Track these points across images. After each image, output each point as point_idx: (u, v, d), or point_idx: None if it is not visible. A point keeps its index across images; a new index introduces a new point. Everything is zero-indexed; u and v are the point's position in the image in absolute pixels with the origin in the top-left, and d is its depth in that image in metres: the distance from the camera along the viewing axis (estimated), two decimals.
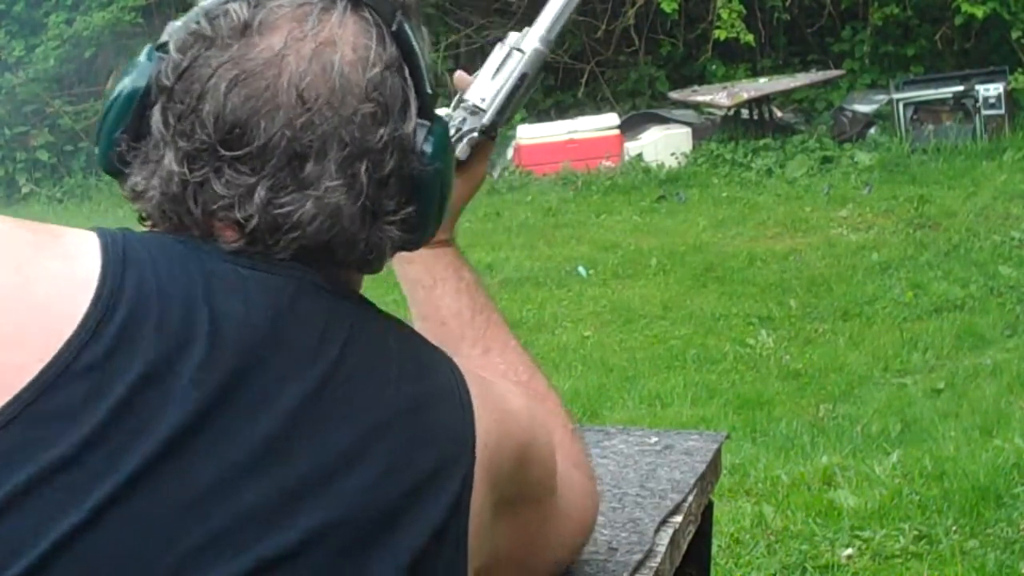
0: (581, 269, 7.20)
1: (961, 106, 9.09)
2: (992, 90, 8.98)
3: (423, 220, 1.13)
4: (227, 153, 1.04)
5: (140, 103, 1.08)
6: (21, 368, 0.95)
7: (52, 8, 11.39)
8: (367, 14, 1.08)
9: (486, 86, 1.38)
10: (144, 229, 1.12)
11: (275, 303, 1.04)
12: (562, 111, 10.68)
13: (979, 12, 9.43)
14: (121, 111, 1.08)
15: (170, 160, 1.05)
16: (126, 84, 1.09)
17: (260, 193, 1.04)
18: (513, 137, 9.92)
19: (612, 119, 9.78)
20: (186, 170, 1.05)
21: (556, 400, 1.35)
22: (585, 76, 10.78)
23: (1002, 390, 4.95)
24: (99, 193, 10.72)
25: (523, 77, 1.39)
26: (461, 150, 1.37)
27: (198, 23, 1.07)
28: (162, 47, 1.08)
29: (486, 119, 1.37)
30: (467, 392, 1.10)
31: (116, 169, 1.10)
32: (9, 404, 0.94)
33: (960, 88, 9.11)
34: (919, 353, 5.51)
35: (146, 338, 0.98)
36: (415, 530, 1.03)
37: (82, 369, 0.96)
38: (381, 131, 1.07)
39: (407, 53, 1.10)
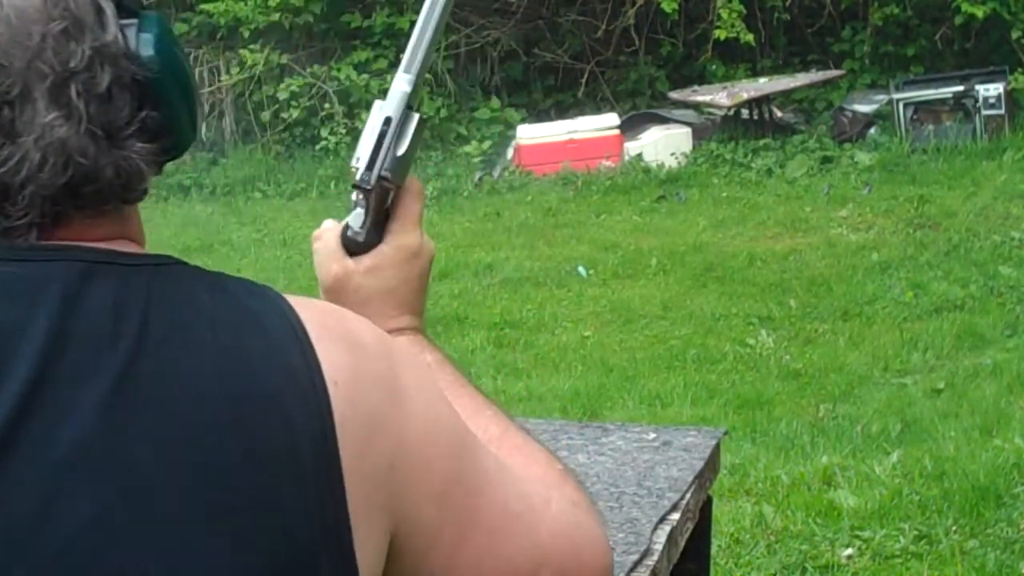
0: (581, 269, 7.20)
1: (961, 106, 9.09)
2: (992, 90, 8.97)
3: (170, 122, 1.02)
4: None
5: None
6: None
7: None
8: None
9: (361, 144, 1.32)
10: None
11: (50, 297, 0.95)
12: (562, 111, 10.68)
13: (979, 12, 9.42)
14: None
15: None
16: None
17: None
18: (513, 137, 9.91)
19: (612, 119, 9.78)
20: None
21: (537, 447, 1.20)
22: (585, 76, 10.78)
23: (1002, 390, 4.95)
24: None
25: (387, 121, 1.33)
26: (355, 219, 1.26)
27: None
28: None
29: (357, 176, 1.29)
30: (301, 326, 1.00)
31: None
32: None
33: (960, 88, 9.11)
34: (919, 353, 5.50)
35: None
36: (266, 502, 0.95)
37: None
38: (81, 48, 0.97)
39: None
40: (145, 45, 1.01)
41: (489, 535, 1.06)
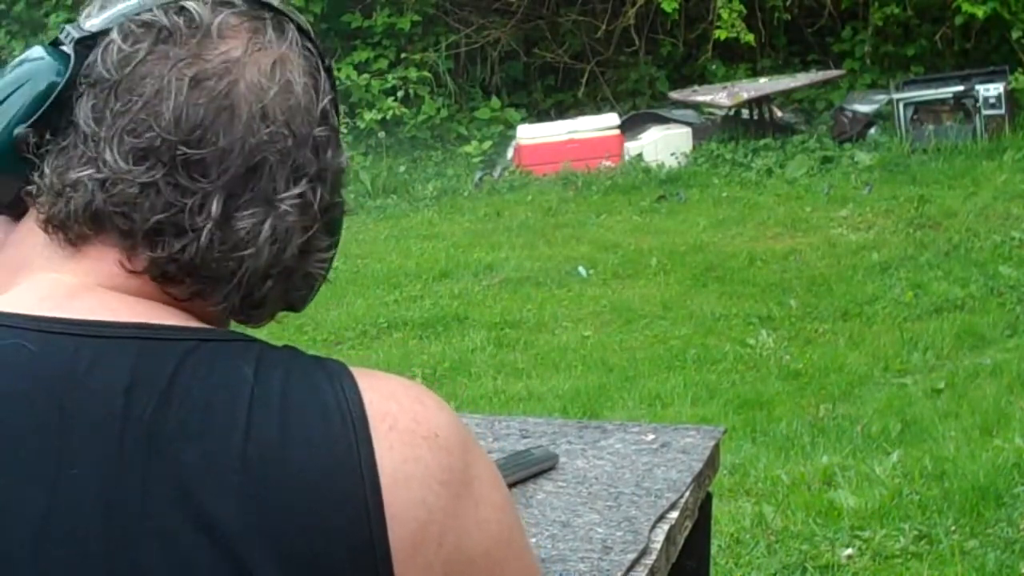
0: (581, 269, 7.19)
1: (961, 106, 9.08)
2: (992, 90, 8.97)
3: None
4: (188, 152, 0.96)
5: (58, 97, 0.99)
6: None
7: (52, 8, 11.38)
8: (310, 45, 1.05)
9: None
10: None
11: (59, 371, 0.93)
12: (562, 111, 10.68)
13: (979, 12, 9.42)
14: (32, 105, 0.99)
15: (114, 158, 0.96)
16: (32, 74, 1.00)
17: (216, 202, 0.97)
18: (513, 137, 9.91)
19: (612, 119, 9.78)
20: (135, 169, 0.96)
21: None
22: (585, 76, 10.78)
23: (1002, 390, 4.95)
24: None
25: None
26: None
27: (152, 12, 0.99)
28: (83, 41, 1.01)
29: None
30: (360, 412, 0.94)
31: (12, 166, 1.00)
32: None
33: (960, 88, 9.10)
34: (919, 353, 5.50)
35: None
36: None
37: None
38: (330, 159, 1.03)
39: (336, 95, 1.07)
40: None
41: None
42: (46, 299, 0.97)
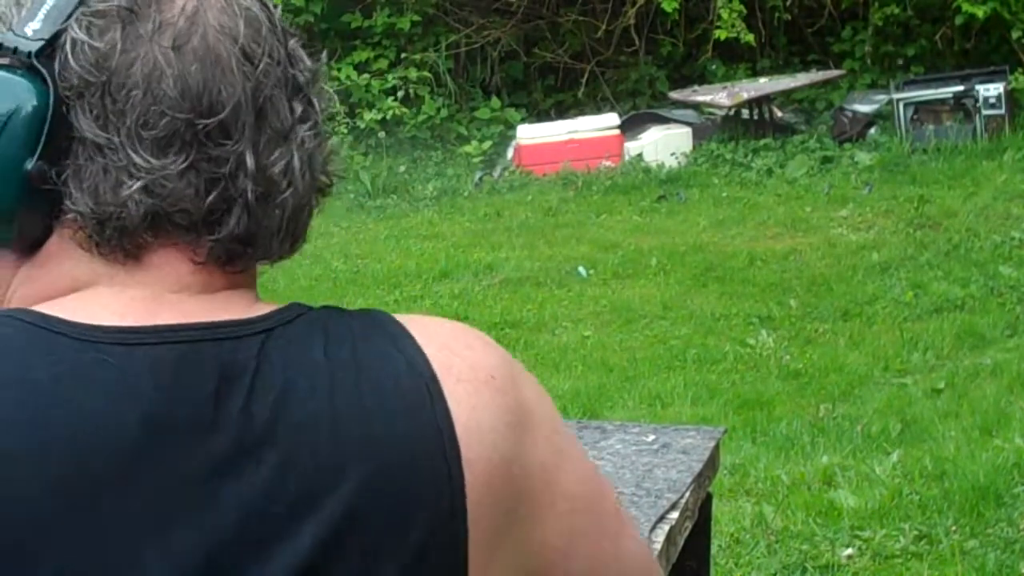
0: (581, 269, 7.20)
1: (961, 106, 9.08)
2: (992, 90, 8.97)
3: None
4: (207, 123, 0.93)
5: (52, 118, 0.94)
6: None
7: None
8: None
9: None
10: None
11: (146, 384, 0.91)
12: (562, 111, 10.68)
13: (979, 12, 9.42)
14: (26, 137, 0.94)
15: (141, 157, 0.93)
16: (10, 104, 0.94)
17: (250, 159, 0.95)
18: (513, 137, 9.91)
19: (612, 119, 9.78)
20: (167, 159, 0.93)
21: None
22: (585, 76, 10.78)
23: (1002, 390, 4.95)
24: None
25: None
26: None
27: (104, 1, 0.94)
28: (41, 53, 0.94)
29: None
30: (430, 371, 0.97)
31: (33, 200, 0.95)
32: None
33: (960, 88, 9.10)
34: (919, 353, 5.50)
35: None
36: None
37: None
38: (308, 64, 1.00)
39: None
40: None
41: (615, 540, 1.08)
42: (120, 313, 0.94)
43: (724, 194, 8.60)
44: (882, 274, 6.64)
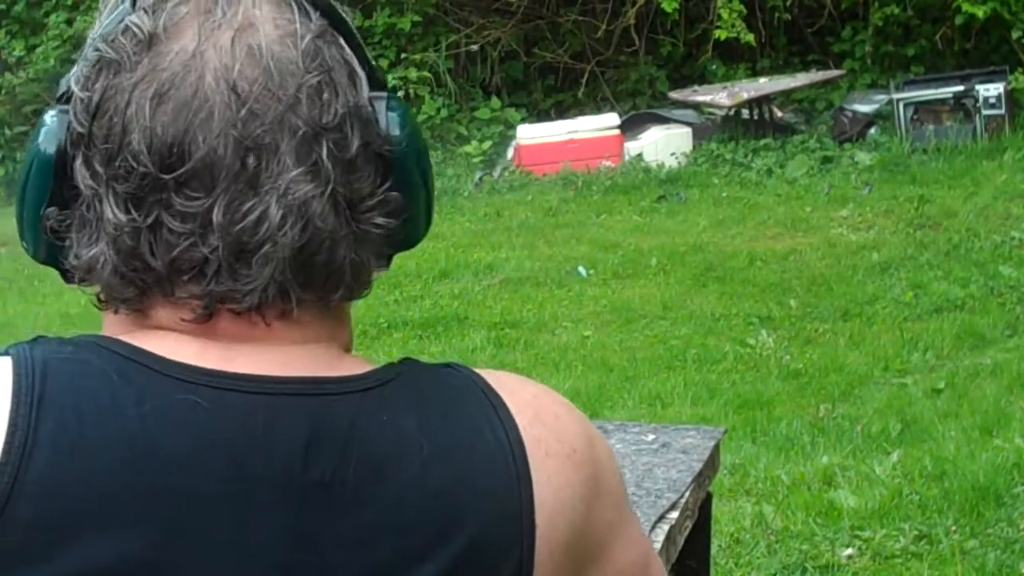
0: (581, 269, 7.20)
1: (961, 106, 9.08)
2: (992, 90, 8.97)
3: (408, 208, 0.96)
4: (169, 177, 0.89)
5: (58, 167, 0.93)
6: None
7: (52, 8, 11.39)
8: None
9: None
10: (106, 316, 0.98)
11: (230, 434, 0.89)
12: (562, 111, 10.68)
13: (979, 12, 9.42)
14: (40, 184, 0.94)
15: (111, 211, 0.90)
16: (35, 153, 0.94)
17: (218, 214, 0.89)
18: (513, 137, 9.91)
19: (612, 119, 9.78)
20: (134, 215, 0.90)
21: None
22: (585, 76, 10.78)
23: (1002, 390, 4.95)
24: None
25: None
26: None
27: (98, 50, 0.92)
28: (64, 98, 0.94)
29: None
30: (520, 444, 0.96)
31: (52, 250, 0.95)
32: None
33: (960, 88, 9.10)
34: (919, 353, 5.50)
35: (66, 511, 0.85)
36: None
37: None
38: (334, 105, 0.92)
39: (337, 21, 0.95)
40: (393, 122, 0.96)
41: None
42: (197, 354, 0.92)
43: (724, 194, 8.61)
44: (882, 274, 6.64)
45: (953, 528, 3.82)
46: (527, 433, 0.96)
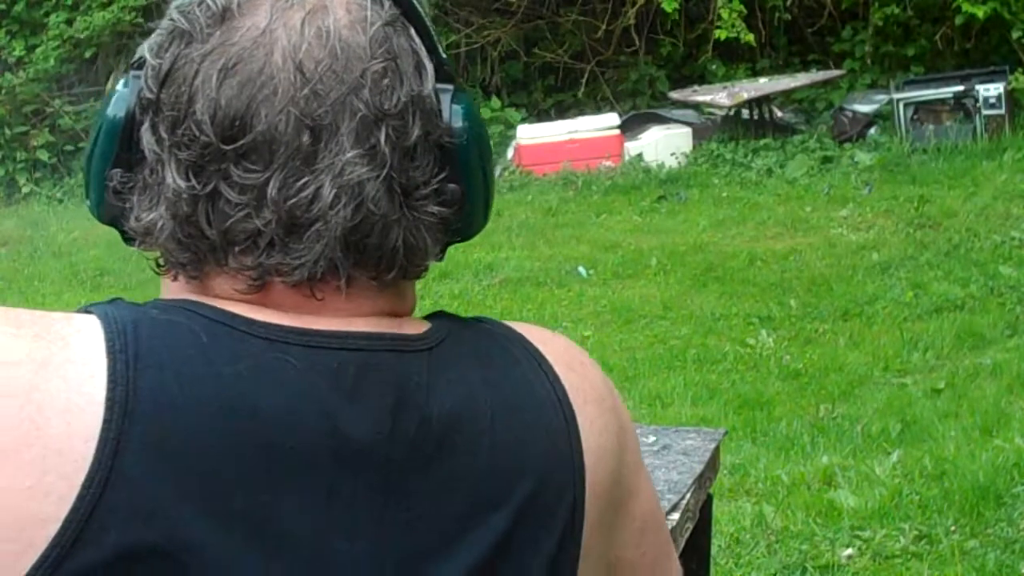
0: (581, 269, 7.20)
1: (961, 106, 9.09)
2: (992, 90, 8.97)
3: (467, 199, 0.98)
4: (229, 148, 0.91)
5: (126, 130, 0.96)
6: (45, 521, 0.83)
7: (52, 8, 11.39)
8: None
9: None
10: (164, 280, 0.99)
11: (323, 391, 0.92)
12: (562, 111, 10.68)
13: (979, 12, 9.43)
14: (107, 146, 0.96)
15: (172, 176, 0.93)
16: (106, 117, 0.96)
17: (273, 188, 0.91)
18: (513, 137, 9.92)
19: (612, 119, 9.78)
20: (193, 182, 0.92)
21: None
22: (585, 76, 10.78)
23: (1002, 390, 4.95)
24: None
25: None
26: None
27: (172, 20, 0.95)
28: (137, 64, 0.97)
29: None
30: (564, 395, 1.01)
31: (114, 212, 0.98)
32: (38, 566, 0.83)
33: (960, 88, 9.11)
34: (919, 353, 5.50)
35: (172, 468, 0.86)
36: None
37: (98, 528, 0.84)
38: (396, 92, 0.94)
39: (408, 10, 0.98)
40: (456, 115, 0.98)
41: (673, 561, 1.14)
42: (268, 319, 0.94)
43: (724, 194, 8.61)
44: (882, 274, 6.65)
45: (953, 528, 3.82)
46: (567, 382, 1.02)
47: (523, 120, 10.36)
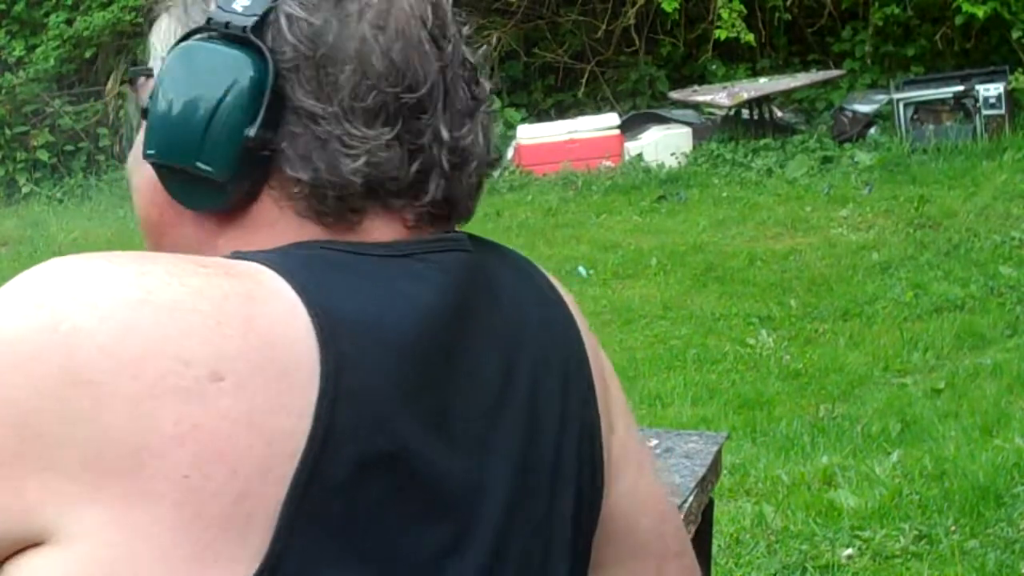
0: (581, 269, 7.20)
1: (961, 106, 9.09)
2: (992, 90, 8.98)
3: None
4: (409, 98, 0.99)
5: (272, 89, 0.97)
6: (291, 435, 0.87)
7: (52, 8, 11.39)
8: None
9: None
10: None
11: (472, 287, 1.03)
12: (562, 111, 10.68)
13: (979, 12, 9.43)
14: (247, 106, 0.97)
15: (357, 129, 0.98)
16: (230, 75, 0.98)
17: (444, 130, 1.01)
18: (513, 137, 9.92)
19: (612, 119, 9.79)
20: (377, 130, 0.98)
21: None
22: (585, 76, 10.78)
23: (1002, 390, 4.95)
24: (99, 193, 10.72)
25: None
26: None
27: None
28: (256, 29, 0.98)
29: None
30: (555, 289, 1.15)
31: (250, 167, 0.99)
32: (295, 477, 0.87)
33: (960, 88, 9.11)
34: (919, 353, 5.51)
35: (383, 379, 0.92)
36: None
37: (336, 443, 0.88)
38: (479, 50, 1.07)
39: None
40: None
41: (654, 471, 1.21)
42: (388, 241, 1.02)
43: (724, 194, 8.61)
44: (882, 274, 6.65)
45: (953, 528, 3.83)
46: (564, 293, 1.14)
47: (523, 120, 10.36)
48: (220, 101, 0.98)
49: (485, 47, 1.08)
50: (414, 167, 0.99)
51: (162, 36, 1.05)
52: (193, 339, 0.86)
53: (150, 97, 1.00)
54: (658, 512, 1.19)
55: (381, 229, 1.00)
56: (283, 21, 0.98)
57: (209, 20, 0.99)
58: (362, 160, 0.98)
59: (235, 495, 0.84)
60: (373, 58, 0.97)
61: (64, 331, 0.84)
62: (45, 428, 0.83)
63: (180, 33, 1.01)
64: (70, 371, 0.83)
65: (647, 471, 1.19)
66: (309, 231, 1.00)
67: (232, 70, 0.98)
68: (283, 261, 0.93)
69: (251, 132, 0.97)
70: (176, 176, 1.00)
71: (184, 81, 0.99)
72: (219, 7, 0.99)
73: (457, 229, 1.08)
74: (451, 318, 0.98)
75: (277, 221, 1.00)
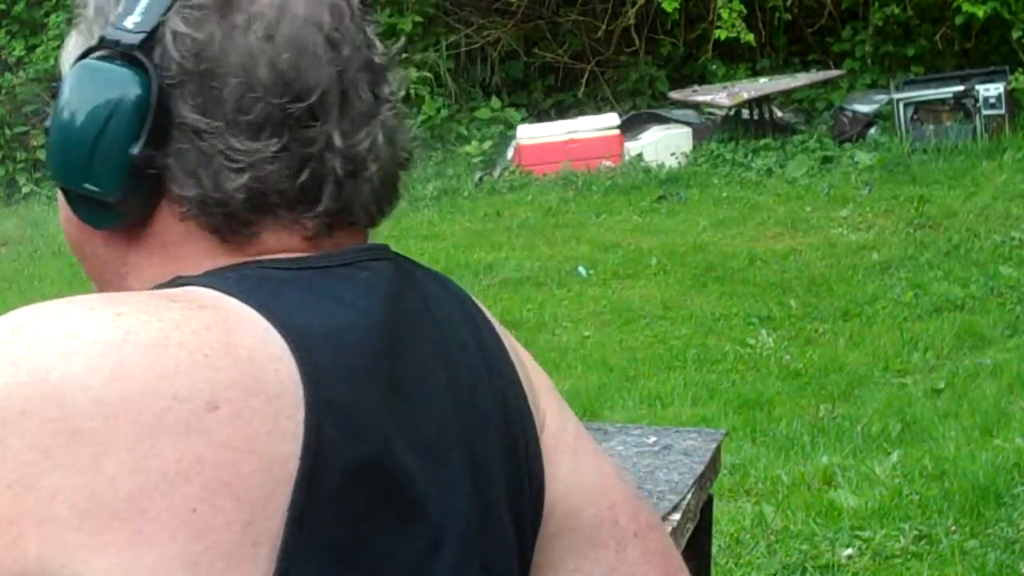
0: (581, 269, 7.20)
1: (961, 106, 9.09)
2: (992, 90, 8.97)
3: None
4: (296, 107, 0.97)
5: (146, 106, 0.97)
6: (286, 460, 0.88)
7: (52, 8, 11.39)
8: None
9: None
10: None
11: (406, 290, 1.04)
12: (562, 111, 10.68)
13: (980, 12, 9.43)
14: (130, 125, 0.97)
15: (241, 142, 0.97)
16: (117, 93, 0.97)
17: (337, 137, 0.99)
18: (513, 137, 9.92)
19: (612, 119, 9.78)
20: (263, 143, 0.97)
21: None
22: (585, 76, 10.78)
23: (1002, 390, 4.95)
24: None
25: None
26: None
27: None
28: (143, 46, 0.98)
29: None
30: (472, 301, 1.15)
31: (137, 185, 0.99)
32: (292, 501, 0.88)
33: (960, 88, 9.11)
34: (919, 353, 5.50)
35: (361, 390, 0.94)
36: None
37: (326, 456, 0.90)
38: (386, 48, 1.05)
39: None
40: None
41: (598, 457, 1.20)
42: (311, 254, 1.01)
43: (724, 194, 8.61)
44: (882, 274, 6.65)
45: (953, 528, 3.83)
46: (471, 294, 1.14)
47: (523, 120, 10.36)
48: (106, 120, 0.97)
49: (392, 47, 1.06)
50: (302, 177, 0.98)
51: (68, 54, 1.04)
52: (183, 374, 0.86)
53: (51, 117, 1.00)
54: (606, 497, 1.17)
55: (281, 241, 0.99)
56: (168, 37, 0.97)
57: (102, 39, 0.99)
58: (247, 175, 0.97)
59: (243, 524, 0.85)
60: (259, 70, 0.96)
61: (52, 382, 0.83)
62: (40, 482, 0.82)
63: (81, 51, 1.01)
64: (63, 422, 0.83)
65: (586, 458, 1.17)
66: (211, 246, 1.00)
67: (118, 88, 0.97)
68: (237, 285, 0.93)
69: (135, 150, 0.96)
70: (75, 195, 1.00)
71: (75, 101, 0.98)
72: (112, 25, 0.99)
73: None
74: (397, 324, 0.98)
75: (183, 236, 1.00)
